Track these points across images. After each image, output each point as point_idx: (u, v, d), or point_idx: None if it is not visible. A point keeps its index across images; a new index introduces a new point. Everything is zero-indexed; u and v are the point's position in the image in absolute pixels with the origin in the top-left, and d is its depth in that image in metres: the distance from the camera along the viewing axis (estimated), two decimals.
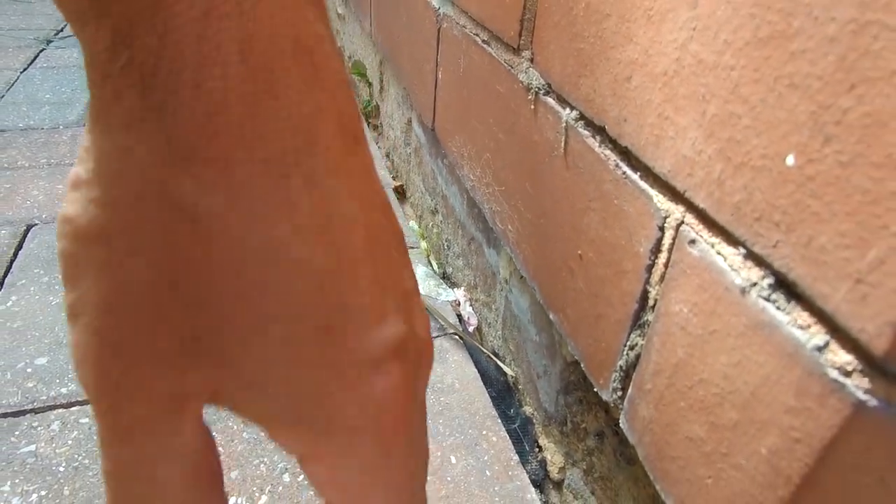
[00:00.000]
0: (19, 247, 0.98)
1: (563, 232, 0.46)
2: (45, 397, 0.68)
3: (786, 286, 0.26)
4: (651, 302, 0.35)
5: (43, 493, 0.58)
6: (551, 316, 0.49)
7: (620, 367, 0.39)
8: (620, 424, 0.40)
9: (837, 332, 0.23)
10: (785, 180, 0.25)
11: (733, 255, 0.28)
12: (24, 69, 1.71)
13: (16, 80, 1.64)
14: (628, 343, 0.38)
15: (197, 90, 0.14)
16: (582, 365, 0.44)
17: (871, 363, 0.22)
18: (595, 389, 0.43)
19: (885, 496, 0.23)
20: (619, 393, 0.39)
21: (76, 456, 0.62)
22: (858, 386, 0.22)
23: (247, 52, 0.14)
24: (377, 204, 0.18)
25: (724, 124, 0.28)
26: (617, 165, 0.38)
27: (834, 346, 0.23)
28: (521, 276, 0.61)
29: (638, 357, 0.37)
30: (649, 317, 0.35)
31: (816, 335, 0.24)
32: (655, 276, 0.34)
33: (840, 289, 0.23)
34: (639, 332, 0.37)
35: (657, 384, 0.35)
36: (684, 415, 0.32)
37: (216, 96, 0.14)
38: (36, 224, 1.03)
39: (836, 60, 0.22)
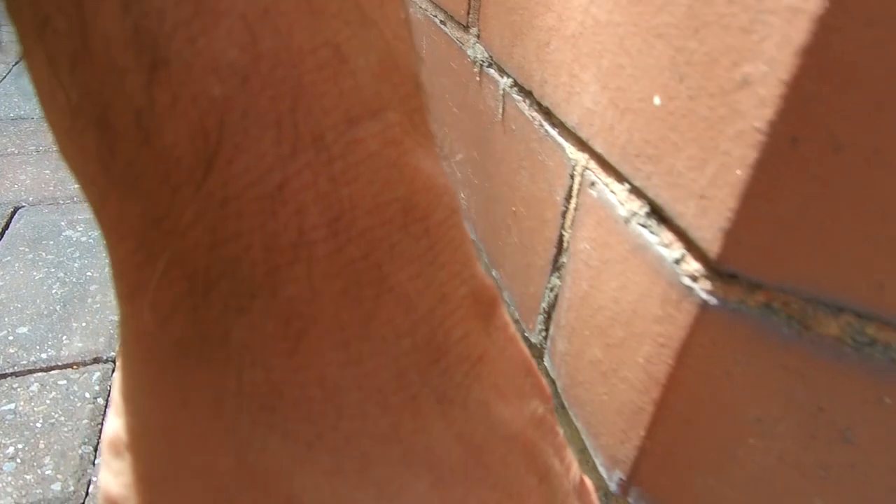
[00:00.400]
0: (6, 227, 1.02)
1: (502, 192, 0.49)
2: (25, 362, 0.72)
3: (657, 212, 0.29)
4: (566, 245, 0.39)
5: (20, 446, 0.61)
6: (494, 273, 0.53)
7: (543, 308, 0.42)
8: (545, 363, 0.43)
9: (690, 244, 0.27)
10: (654, 118, 0.28)
11: (621, 191, 0.32)
12: (17, 62, 1.74)
13: (7, 73, 1.67)
14: (549, 285, 0.41)
15: (273, 300, 0.10)
16: (516, 313, 0.48)
17: (711, 267, 0.26)
18: (526, 334, 0.46)
19: (730, 387, 0.27)
20: (544, 334, 0.43)
21: (53, 413, 0.65)
22: (703, 289, 0.26)
23: (341, 234, 0.10)
24: (528, 384, 0.14)
25: (613, 75, 0.32)
26: (541, 125, 0.41)
27: (688, 257, 0.27)
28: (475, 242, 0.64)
29: (556, 297, 0.40)
30: (565, 258, 0.39)
31: (676, 250, 0.28)
32: (568, 221, 0.38)
33: (690, 206, 0.26)
34: (557, 273, 0.40)
35: (569, 318, 0.38)
36: (587, 341, 0.36)
37: (301, 308, 0.10)
38: (23, 206, 1.07)
39: (686, 9, 0.26)
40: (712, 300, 0.26)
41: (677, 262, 0.27)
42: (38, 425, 0.64)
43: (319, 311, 0.10)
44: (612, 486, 0.35)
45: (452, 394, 0.11)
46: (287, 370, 0.10)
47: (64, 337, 0.74)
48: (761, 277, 0.24)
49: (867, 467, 0.25)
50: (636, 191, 0.31)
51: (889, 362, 0.23)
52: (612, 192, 0.33)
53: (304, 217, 0.10)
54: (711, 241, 0.25)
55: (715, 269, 0.25)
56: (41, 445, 0.62)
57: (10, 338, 0.76)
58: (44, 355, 0.73)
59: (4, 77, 1.63)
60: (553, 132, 0.39)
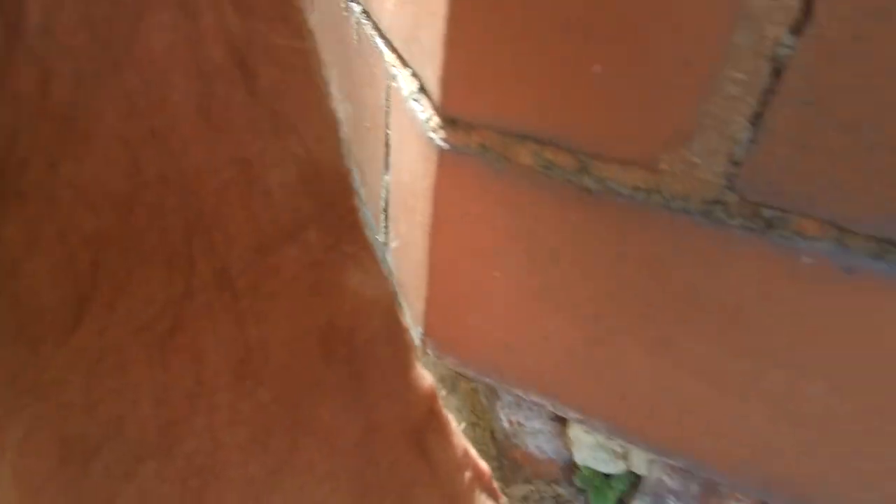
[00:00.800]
0: None
1: (361, 113, 0.54)
2: None
3: (421, 85, 0.34)
4: (390, 143, 0.44)
5: None
6: (361, 192, 0.58)
7: (382, 207, 0.47)
8: (388, 260, 0.48)
9: (433, 103, 0.32)
10: (413, 3, 0.33)
11: (407, 77, 0.37)
12: None
13: None
14: (384, 184, 0.46)
15: (168, 460, 0.09)
16: (372, 223, 0.53)
17: (442, 116, 0.30)
18: (377, 236, 0.51)
19: (472, 225, 0.32)
20: (385, 230, 0.48)
21: None
22: (440, 137, 0.31)
23: (248, 378, 0.09)
24: (467, 478, 0.14)
25: None
26: (375, 40, 0.46)
27: (433, 115, 0.32)
28: None
29: (388, 192, 0.45)
30: (391, 157, 0.44)
31: (427, 111, 0.32)
32: (390, 120, 0.43)
33: (428, 70, 0.31)
34: (387, 172, 0.45)
35: (393, 209, 0.43)
36: (400, 221, 0.41)
37: (202, 463, 0.09)
38: None
39: None
40: (445, 146, 0.31)
41: (427, 121, 0.32)
42: None
43: (223, 466, 0.09)
44: (419, 343, 0.40)
45: None
46: None
47: None
48: (471, 118, 0.29)
49: (574, 283, 0.30)
50: (414, 73, 0.35)
51: (566, 182, 0.28)
52: (403, 80, 0.37)
53: (203, 363, 0.09)
54: (438, 94, 0.30)
55: (444, 117, 0.30)
56: None
57: None
58: None
59: None
60: (380, 43, 0.44)
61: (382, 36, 0.43)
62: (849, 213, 0.23)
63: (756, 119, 0.22)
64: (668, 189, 0.26)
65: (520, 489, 0.47)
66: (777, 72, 0.21)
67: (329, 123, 0.13)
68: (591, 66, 0.24)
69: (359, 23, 0.51)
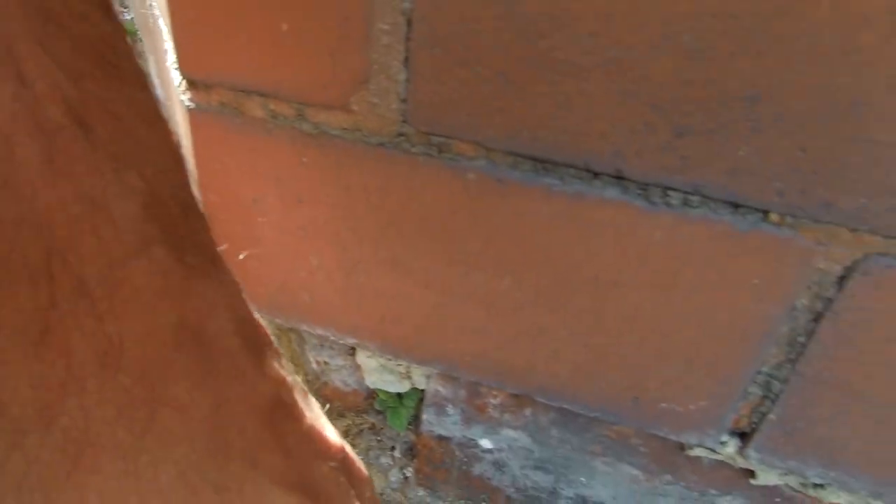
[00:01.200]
0: None
1: (166, 92, 0.56)
2: None
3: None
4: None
5: None
6: None
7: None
8: None
9: (180, 69, 0.35)
10: None
11: (172, 49, 0.40)
12: None
13: None
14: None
15: (47, 433, 0.11)
16: None
17: (186, 79, 0.34)
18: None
19: (230, 176, 0.36)
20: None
21: None
22: (188, 98, 0.34)
23: (110, 366, 0.11)
24: (326, 468, 0.17)
25: None
26: (159, 23, 0.48)
27: (182, 81, 0.35)
28: None
29: None
30: (178, 127, 0.47)
31: (179, 78, 0.36)
32: (171, 92, 0.46)
33: (170, 38, 0.35)
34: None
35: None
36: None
37: (76, 434, 0.11)
38: None
39: None
40: (191, 105, 0.34)
41: (179, 85, 0.36)
42: None
43: (95, 435, 0.11)
44: None
45: (229, 483, 0.13)
46: (65, 489, 0.11)
47: None
48: (206, 78, 0.33)
49: (320, 219, 0.35)
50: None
51: (291, 129, 0.33)
52: (170, 52, 0.41)
53: (72, 356, 0.11)
54: (178, 58, 0.33)
55: (186, 80, 0.34)
56: None
57: None
58: None
59: None
60: (161, 22, 0.47)
61: (162, 16, 0.46)
62: (488, 135, 0.29)
63: (407, 62, 0.28)
64: (364, 127, 0.31)
65: (338, 424, 0.52)
66: (410, 22, 0.27)
67: (170, 156, 0.15)
68: (280, 25, 0.29)
69: (150, 6, 0.53)
